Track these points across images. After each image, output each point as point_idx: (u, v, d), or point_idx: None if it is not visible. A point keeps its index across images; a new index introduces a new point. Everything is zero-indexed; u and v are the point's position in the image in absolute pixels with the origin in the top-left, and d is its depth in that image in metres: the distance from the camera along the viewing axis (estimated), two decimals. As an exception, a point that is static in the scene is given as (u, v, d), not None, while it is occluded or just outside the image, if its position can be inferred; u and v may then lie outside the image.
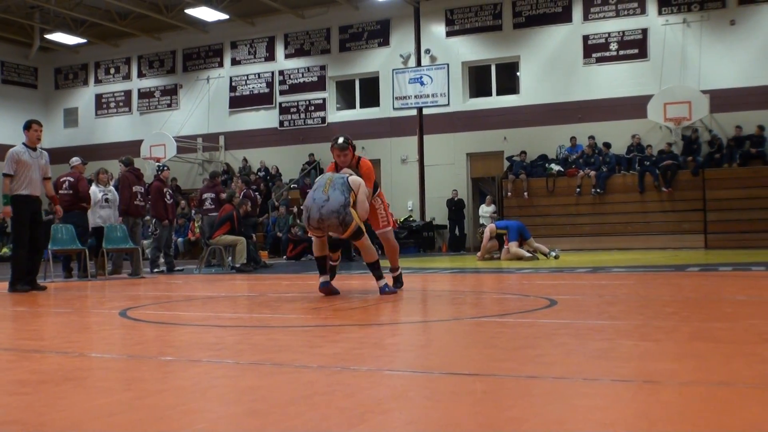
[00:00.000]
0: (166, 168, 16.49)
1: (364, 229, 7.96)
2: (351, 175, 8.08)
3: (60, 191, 13.65)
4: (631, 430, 2.44)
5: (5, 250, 26.52)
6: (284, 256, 22.11)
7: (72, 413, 2.87)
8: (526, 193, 24.29)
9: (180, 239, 25.06)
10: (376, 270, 8.04)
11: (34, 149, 10.67)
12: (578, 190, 23.72)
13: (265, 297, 8.77)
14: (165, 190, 15.96)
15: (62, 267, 14.53)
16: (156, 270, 15.72)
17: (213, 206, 17.33)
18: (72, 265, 14.63)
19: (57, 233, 13.13)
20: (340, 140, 8.33)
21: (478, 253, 17.80)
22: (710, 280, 9.64)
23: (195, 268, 16.75)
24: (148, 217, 25.19)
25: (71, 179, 13.82)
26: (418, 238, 25.54)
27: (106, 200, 14.41)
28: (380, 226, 8.73)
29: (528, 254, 16.42)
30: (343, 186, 7.83)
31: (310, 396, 3.06)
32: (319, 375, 3.60)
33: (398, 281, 8.78)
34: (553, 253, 16.70)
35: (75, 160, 14.49)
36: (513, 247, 16.77)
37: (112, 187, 14.78)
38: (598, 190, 23.44)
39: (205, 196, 17.67)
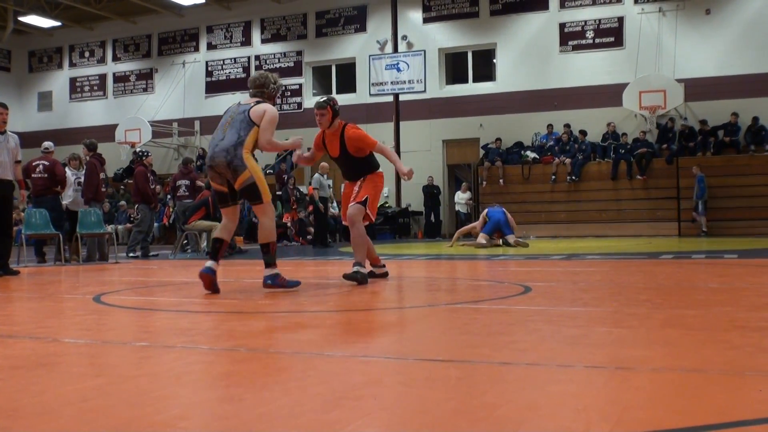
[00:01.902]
0: (149, 154, 16.48)
1: (266, 193, 6.98)
2: (258, 104, 7.13)
3: (33, 175, 13.56)
4: (603, 416, 2.46)
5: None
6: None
7: (45, 399, 2.85)
8: (501, 180, 24.38)
9: (155, 224, 24.95)
10: (265, 254, 7.03)
11: (2, 133, 10.57)
12: (554, 177, 23.84)
13: (240, 282, 8.74)
14: (148, 175, 15.93)
15: (34, 252, 14.43)
16: (132, 255, 15.66)
17: (187, 193, 17.25)
18: (45, 250, 14.53)
19: (30, 218, 13.04)
20: (321, 99, 7.91)
21: (453, 238, 17.98)
22: (683, 268, 9.71)
23: (170, 253, 16.69)
24: (123, 202, 25.16)
25: (46, 163, 13.72)
26: (393, 224, 25.57)
27: (79, 184, 14.35)
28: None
29: (484, 242, 16.56)
30: (242, 123, 6.98)
31: (284, 382, 3.06)
32: (294, 361, 3.60)
33: (358, 275, 7.68)
34: (520, 238, 16.78)
35: (50, 145, 14.38)
36: (480, 236, 16.90)
37: (84, 172, 14.64)
38: (574, 178, 23.56)
39: (179, 183, 17.57)
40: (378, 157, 8.22)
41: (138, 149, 17.85)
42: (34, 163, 13.71)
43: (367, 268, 8.03)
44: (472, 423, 2.41)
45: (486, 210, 17.88)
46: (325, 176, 19.85)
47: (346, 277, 7.72)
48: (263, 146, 7.08)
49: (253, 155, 7.04)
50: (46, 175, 13.62)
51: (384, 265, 8.45)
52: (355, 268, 7.77)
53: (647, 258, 11.85)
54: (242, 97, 7.52)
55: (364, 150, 7.97)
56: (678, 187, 22.50)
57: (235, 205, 7.28)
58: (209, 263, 7.00)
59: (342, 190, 8.48)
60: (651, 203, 22.85)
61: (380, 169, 8.20)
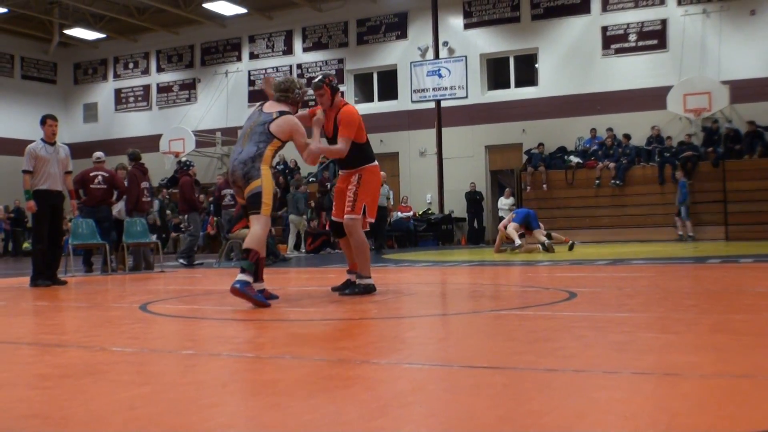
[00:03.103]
0: (194, 164, 16.74)
1: (267, 205, 6.69)
2: (279, 116, 6.96)
3: (91, 185, 13.64)
4: (651, 423, 2.44)
5: (26, 244, 26.73)
6: (303, 250, 22.16)
7: (93, 407, 2.88)
8: (545, 186, 24.25)
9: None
10: (243, 259, 6.60)
11: (52, 144, 10.73)
12: (597, 182, 23.66)
13: (284, 290, 8.78)
14: (193, 184, 16.22)
15: (82, 261, 14.60)
16: (182, 261, 15.86)
17: (233, 202, 17.36)
18: (92, 260, 14.70)
19: (77, 228, 13.19)
20: (316, 79, 7.55)
21: (495, 246, 17.96)
22: (731, 272, 9.59)
23: (215, 262, 16.81)
24: (168, 212, 25.39)
25: (105, 174, 13.81)
26: (436, 231, 25.56)
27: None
28: (344, 212, 7.51)
29: (518, 242, 16.43)
30: (261, 135, 6.84)
31: (330, 389, 3.07)
32: (339, 368, 3.60)
33: (359, 288, 7.43)
34: (546, 242, 16.51)
35: (101, 155, 14.49)
36: (510, 226, 16.77)
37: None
38: (618, 182, 23.36)
39: (224, 192, 17.70)
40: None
41: (183, 159, 18.04)
42: (91, 174, 13.72)
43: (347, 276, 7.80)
44: (518, 431, 2.40)
45: (510, 215, 17.85)
46: (383, 186, 20.25)
47: (346, 294, 7.40)
48: (309, 160, 7.11)
49: (272, 168, 6.89)
50: (105, 186, 13.72)
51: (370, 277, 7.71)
52: (359, 282, 7.48)
53: (694, 263, 11.72)
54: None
55: (357, 130, 7.49)
56: (724, 191, 22.19)
57: None
58: (257, 285, 6.84)
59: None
60: (697, 207, 22.57)
61: (375, 162, 7.71)
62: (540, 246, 16.53)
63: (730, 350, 3.79)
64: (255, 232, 6.65)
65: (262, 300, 6.54)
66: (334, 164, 26.86)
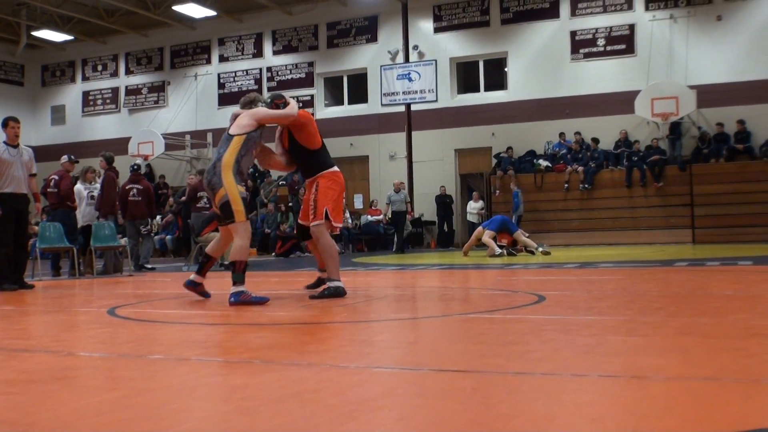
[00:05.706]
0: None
1: (239, 213, 6.96)
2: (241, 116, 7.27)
3: (48, 189, 13.63)
4: (619, 425, 2.45)
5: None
6: (273, 253, 22.10)
7: (61, 413, 2.86)
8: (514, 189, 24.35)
9: (168, 236, 25.00)
10: (233, 273, 6.90)
11: (15, 146, 10.60)
12: (566, 185, 23.81)
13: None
14: None
15: (50, 265, 14.48)
16: (148, 267, 15.75)
17: (208, 205, 17.21)
18: (61, 264, 14.59)
19: (45, 231, 13.09)
20: (268, 99, 7.71)
21: (464, 247, 17.97)
22: (698, 275, 9.67)
23: (183, 264, 16.72)
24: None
25: (56, 177, 13.80)
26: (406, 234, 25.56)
27: (92, 197, 14.36)
28: (308, 219, 7.63)
29: (498, 250, 16.35)
30: (222, 141, 7.13)
31: (299, 394, 3.06)
32: (308, 372, 3.60)
33: (329, 291, 7.36)
34: (541, 249, 16.55)
35: (64, 158, 14.43)
36: (486, 235, 16.74)
37: (98, 185, 14.65)
38: (586, 186, 23.52)
39: (200, 194, 17.52)
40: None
41: (139, 163, 17.83)
42: (49, 178, 13.82)
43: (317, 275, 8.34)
44: (487, 434, 2.41)
45: (479, 228, 17.71)
46: (400, 192, 22.44)
47: (316, 297, 7.32)
48: (271, 121, 7.38)
49: (238, 176, 7.02)
50: (56, 190, 13.68)
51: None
52: (327, 285, 7.50)
53: (661, 266, 11.81)
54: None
55: (306, 134, 7.65)
56: (691, 194, 22.43)
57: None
58: (192, 276, 7.48)
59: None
60: (664, 210, 22.78)
61: (333, 168, 7.73)
62: (533, 251, 16.50)
63: (696, 353, 3.83)
64: (236, 243, 6.94)
65: (260, 299, 6.87)
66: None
